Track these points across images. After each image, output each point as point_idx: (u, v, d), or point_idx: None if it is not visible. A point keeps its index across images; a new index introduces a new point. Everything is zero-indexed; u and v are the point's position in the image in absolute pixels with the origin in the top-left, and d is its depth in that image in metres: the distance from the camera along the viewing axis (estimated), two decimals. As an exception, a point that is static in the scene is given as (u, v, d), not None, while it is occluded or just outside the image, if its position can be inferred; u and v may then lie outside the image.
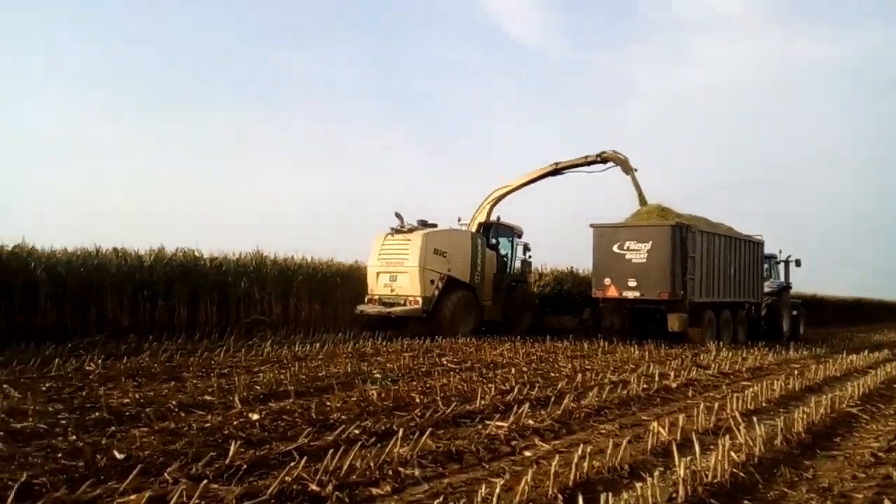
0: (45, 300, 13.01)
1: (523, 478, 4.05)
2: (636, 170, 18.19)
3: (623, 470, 4.71)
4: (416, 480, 4.44)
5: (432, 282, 15.54)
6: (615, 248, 15.63)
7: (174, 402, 6.62)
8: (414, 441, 5.08)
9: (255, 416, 6.06)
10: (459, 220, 18.33)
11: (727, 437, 5.10)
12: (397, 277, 15.66)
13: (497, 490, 3.77)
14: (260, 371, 9.21)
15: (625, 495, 3.87)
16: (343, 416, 6.24)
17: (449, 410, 6.47)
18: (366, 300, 16.23)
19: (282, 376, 8.55)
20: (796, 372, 10.47)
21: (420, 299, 15.23)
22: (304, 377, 8.64)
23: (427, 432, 5.35)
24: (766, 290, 19.80)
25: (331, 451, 4.62)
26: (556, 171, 18.76)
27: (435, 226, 16.50)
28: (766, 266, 20.16)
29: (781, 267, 21.71)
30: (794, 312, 21.62)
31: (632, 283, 15.40)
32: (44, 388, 7.37)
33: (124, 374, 8.52)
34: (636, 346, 14.12)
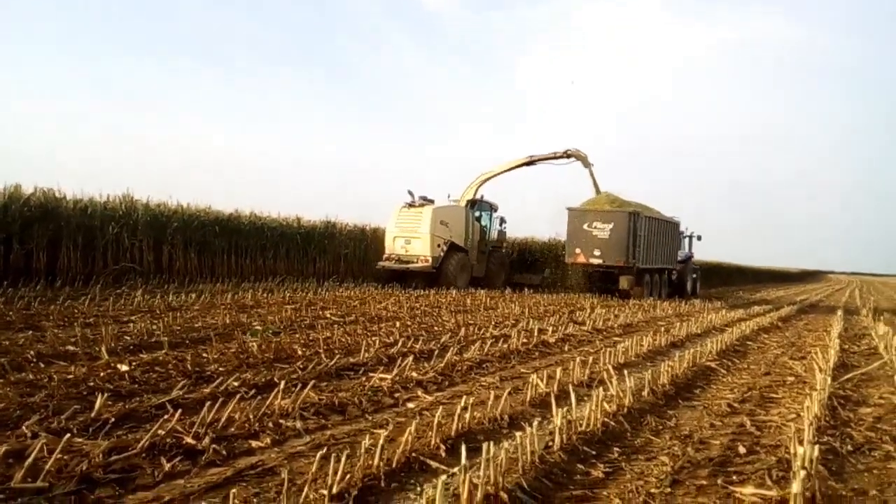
0: None
1: (407, 429, 4.06)
2: (593, 164, 22.33)
3: (503, 420, 4.85)
4: (297, 432, 4.36)
5: (439, 245, 19.59)
6: (584, 226, 20.20)
7: (32, 353, 6.14)
8: (296, 393, 4.97)
9: (125, 368, 5.72)
10: (449, 196, 22.02)
11: (600, 388, 5.35)
12: (411, 241, 19.60)
13: (381, 441, 3.75)
14: (130, 321, 8.72)
15: (505, 444, 3.97)
16: (221, 369, 6.02)
17: (332, 363, 6.39)
18: (384, 258, 20.06)
19: (154, 327, 8.13)
20: (663, 329, 11.16)
21: (430, 258, 19.25)
22: (178, 328, 8.26)
23: (310, 384, 5.26)
24: (678, 258, 24.79)
25: (208, 403, 4.44)
26: (531, 162, 22.66)
27: (433, 202, 20.15)
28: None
29: (687, 241, 26.67)
30: (694, 276, 27.23)
31: (597, 253, 20.06)
32: None
33: (-27, 322, 7.82)
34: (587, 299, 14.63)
